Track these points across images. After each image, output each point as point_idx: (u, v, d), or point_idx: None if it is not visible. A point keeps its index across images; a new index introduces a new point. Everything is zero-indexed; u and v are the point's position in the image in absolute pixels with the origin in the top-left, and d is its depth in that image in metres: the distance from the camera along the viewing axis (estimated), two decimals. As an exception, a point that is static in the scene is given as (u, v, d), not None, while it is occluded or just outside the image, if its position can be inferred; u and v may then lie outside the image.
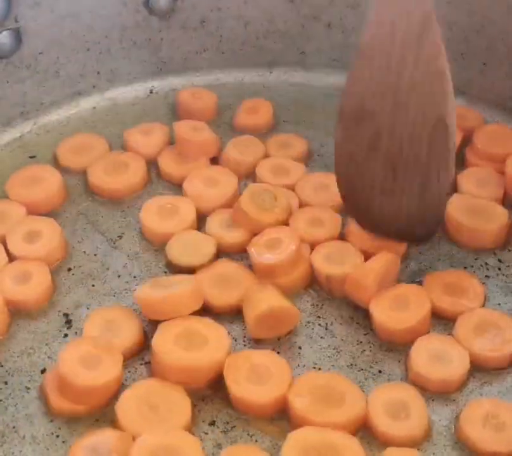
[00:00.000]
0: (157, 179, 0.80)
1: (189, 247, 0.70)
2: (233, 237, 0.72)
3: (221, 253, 0.71)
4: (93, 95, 0.88)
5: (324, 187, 0.76)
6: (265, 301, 0.64)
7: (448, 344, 0.65)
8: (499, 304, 0.70)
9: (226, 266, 0.69)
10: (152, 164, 0.80)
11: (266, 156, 0.81)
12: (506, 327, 0.66)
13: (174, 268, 0.71)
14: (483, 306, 0.69)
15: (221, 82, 0.91)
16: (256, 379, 0.61)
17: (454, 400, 0.64)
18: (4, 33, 0.79)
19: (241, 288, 0.67)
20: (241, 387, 0.61)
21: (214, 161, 0.81)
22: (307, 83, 0.92)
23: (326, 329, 0.68)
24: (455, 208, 0.74)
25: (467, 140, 0.81)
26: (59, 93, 0.86)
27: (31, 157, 0.81)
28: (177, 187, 0.78)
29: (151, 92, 0.90)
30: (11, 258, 0.70)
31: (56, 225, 0.72)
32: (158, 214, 0.73)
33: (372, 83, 0.62)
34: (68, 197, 0.77)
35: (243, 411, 0.62)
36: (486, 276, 0.72)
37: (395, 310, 0.67)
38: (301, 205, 0.75)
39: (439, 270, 0.72)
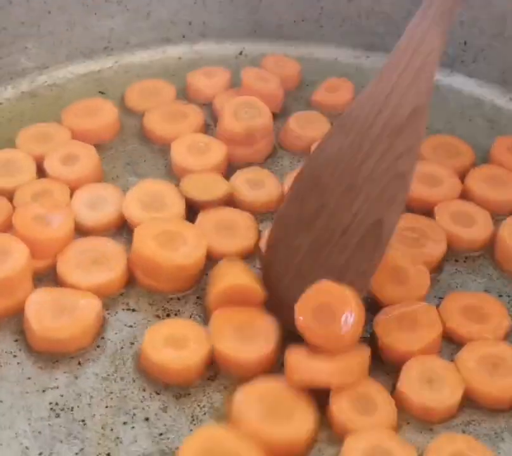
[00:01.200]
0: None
1: (203, 184, 0.70)
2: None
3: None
4: (181, 45, 0.87)
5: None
6: (229, 277, 0.61)
7: (446, 370, 0.59)
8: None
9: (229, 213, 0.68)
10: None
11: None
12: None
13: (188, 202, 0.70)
14: (505, 339, 0.63)
15: (314, 56, 0.88)
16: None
17: (430, 429, 0.58)
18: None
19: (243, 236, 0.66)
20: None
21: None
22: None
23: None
24: (509, 233, 0.69)
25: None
26: (147, 36, 0.86)
27: (100, 92, 0.82)
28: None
29: (240, 53, 0.88)
30: (45, 176, 0.71)
31: (95, 154, 0.72)
32: (189, 152, 0.73)
33: (338, 157, 0.59)
34: (119, 135, 0.77)
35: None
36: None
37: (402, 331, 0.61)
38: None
39: (467, 291, 0.67)
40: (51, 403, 0.57)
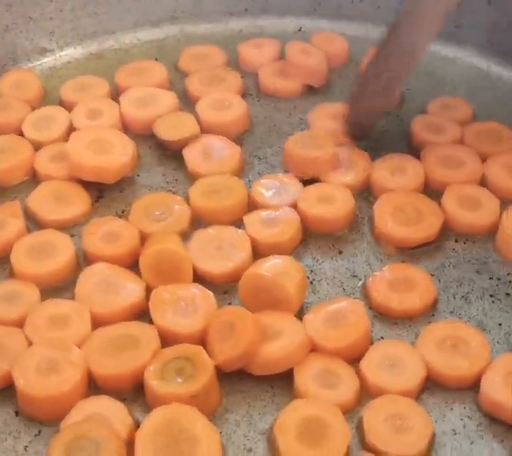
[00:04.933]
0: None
1: (173, 125, 0.76)
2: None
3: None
4: (244, 18, 0.92)
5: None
6: (157, 242, 0.65)
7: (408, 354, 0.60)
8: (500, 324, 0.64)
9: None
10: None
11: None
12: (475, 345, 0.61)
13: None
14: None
15: (369, 36, 0.90)
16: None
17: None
18: None
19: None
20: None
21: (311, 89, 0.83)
22: (455, 59, 0.88)
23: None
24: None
25: None
26: (211, 8, 0.91)
27: (156, 59, 0.88)
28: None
29: (299, 29, 0.92)
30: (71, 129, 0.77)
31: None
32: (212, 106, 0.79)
33: None
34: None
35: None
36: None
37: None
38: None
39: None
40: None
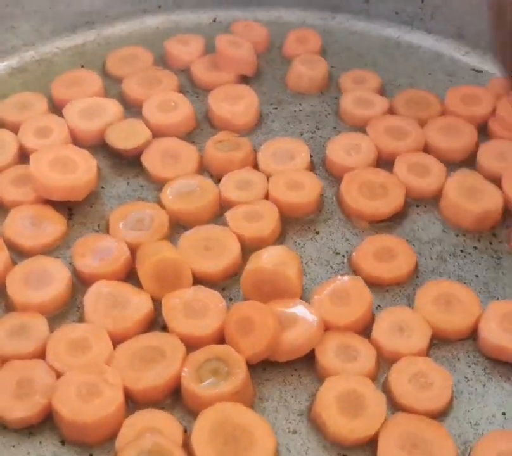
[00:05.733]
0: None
1: (125, 133, 0.77)
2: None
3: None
4: (159, 15, 0.93)
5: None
6: (154, 253, 0.66)
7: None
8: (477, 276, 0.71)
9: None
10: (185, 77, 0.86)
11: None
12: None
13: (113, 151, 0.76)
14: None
15: (283, 20, 0.94)
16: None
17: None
18: None
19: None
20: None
21: (245, 79, 0.85)
22: (366, 33, 0.93)
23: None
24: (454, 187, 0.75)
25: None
26: (126, 8, 0.91)
27: (82, 66, 0.87)
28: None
29: (214, 20, 0.94)
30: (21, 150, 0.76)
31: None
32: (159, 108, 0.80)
33: None
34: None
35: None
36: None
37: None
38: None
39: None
40: None
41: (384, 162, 0.78)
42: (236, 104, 0.81)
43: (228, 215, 0.72)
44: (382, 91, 0.85)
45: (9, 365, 0.61)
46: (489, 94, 0.83)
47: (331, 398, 0.60)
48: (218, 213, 0.74)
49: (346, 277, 0.68)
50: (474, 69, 0.88)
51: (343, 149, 0.78)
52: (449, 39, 0.90)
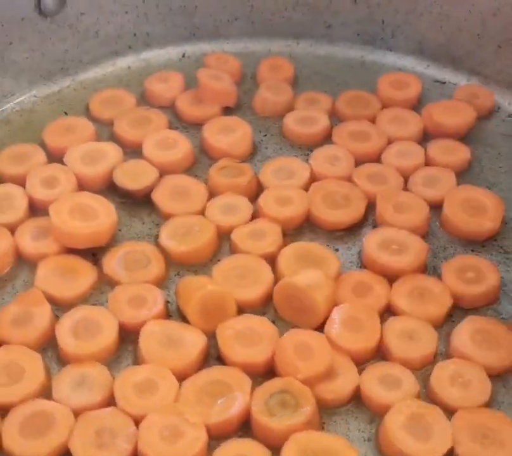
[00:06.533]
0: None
1: (133, 173, 0.78)
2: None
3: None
4: (129, 55, 0.94)
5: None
6: (198, 288, 0.67)
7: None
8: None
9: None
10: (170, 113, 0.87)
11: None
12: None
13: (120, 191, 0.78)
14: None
15: (250, 50, 0.96)
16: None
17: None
18: (51, -6, 0.85)
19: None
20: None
21: (228, 110, 0.88)
22: (331, 55, 0.97)
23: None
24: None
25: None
26: (98, 52, 0.92)
27: (65, 113, 0.87)
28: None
29: (183, 55, 0.96)
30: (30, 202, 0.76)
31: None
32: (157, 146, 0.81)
33: None
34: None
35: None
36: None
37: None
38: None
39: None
40: None
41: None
42: (231, 135, 0.84)
43: (233, 235, 0.74)
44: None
45: (83, 417, 0.61)
46: (416, 79, 0.90)
47: (395, 420, 0.61)
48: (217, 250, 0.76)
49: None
50: (437, 81, 0.95)
51: (327, 161, 0.81)
52: (410, 55, 0.96)
